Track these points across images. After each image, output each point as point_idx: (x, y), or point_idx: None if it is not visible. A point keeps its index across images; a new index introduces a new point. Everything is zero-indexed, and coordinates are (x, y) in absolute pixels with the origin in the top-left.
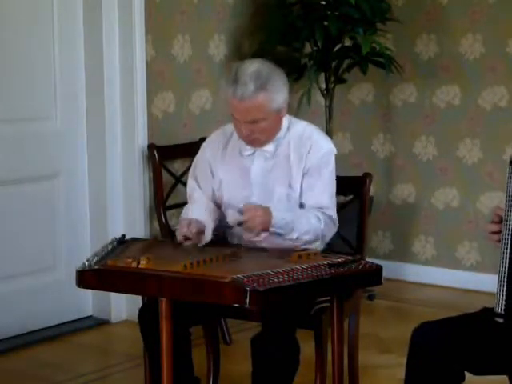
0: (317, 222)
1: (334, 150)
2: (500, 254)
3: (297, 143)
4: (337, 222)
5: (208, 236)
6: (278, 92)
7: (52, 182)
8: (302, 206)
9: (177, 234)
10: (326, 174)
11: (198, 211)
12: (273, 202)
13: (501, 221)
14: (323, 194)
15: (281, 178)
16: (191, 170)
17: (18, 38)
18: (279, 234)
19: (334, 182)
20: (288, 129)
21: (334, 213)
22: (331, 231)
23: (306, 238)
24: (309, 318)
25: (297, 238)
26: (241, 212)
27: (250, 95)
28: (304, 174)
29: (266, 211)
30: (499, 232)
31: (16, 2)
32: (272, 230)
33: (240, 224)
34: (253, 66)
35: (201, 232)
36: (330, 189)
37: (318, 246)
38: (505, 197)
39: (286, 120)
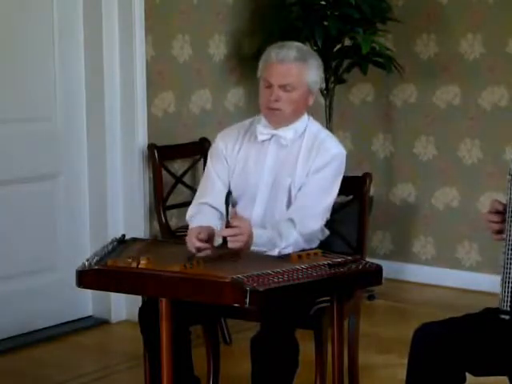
0: (297, 236)
1: (343, 154)
2: (504, 251)
3: (309, 144)
4: (324, 230)
5: (219, 239)
6: (315, 70)
7: (52, 181)
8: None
9: (188, 245)
10: (324, 176)
11: (205, 217)
12: (279, 192)
13: (497, 212)
14: (312, 194)
15: (288, 170)
16: (208, 161)
17: (17, 38)
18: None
19: (331, 186)
20: (306, 126)
21: (316, 221)
22: (315, 235)
23: (288, 251)
24: (309, 318)
25: (278, 253)
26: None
27: (290, 59)
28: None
29: (248, 234)
30: (498, 222)
31: (16, 2)
32: (253, 248)
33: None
34: (297, 43)
35: (211, 236)
36: (324, 193)
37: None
38: (507, 194)
39: (306, 117)
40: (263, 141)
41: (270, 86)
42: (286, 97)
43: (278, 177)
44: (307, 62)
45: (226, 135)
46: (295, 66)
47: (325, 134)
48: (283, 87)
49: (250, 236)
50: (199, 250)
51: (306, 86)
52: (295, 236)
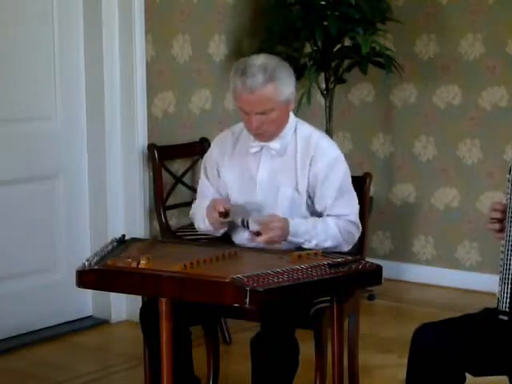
0: (335, 229)
1: (341, 156)
2: (503, 251)
3: (304, 147)
4: (359, 225)
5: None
6: (286, 83)
7: (52, 181)
8: (320, 215)
9: (208, 217)
10: (337, 181)
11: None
12: (277, 201)
13: (500, 210)
14: (339, 203)
15: (287, 178)
16: (202, 168)
17: (18, 38)
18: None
19: (349, 186)
20: (295, 130)
21: (354, 218)
22: (353, 235)
23: (326, 245)
24: (309, 318)
25: (316, 245)
26: (258, 223)
27: (258, 87)
28: (312, 182)
29: (284, 222)
30: (500, 220)
31: (16, 2)
32: (290, 238)
33: (258, 234)
34: (260, 60)
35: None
36: (346, 195)
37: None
38: (507, 194)
39: (293, 120)
40: (255, 152)
41: (247, 113)
42: (267, 119)
43: (274, 187)
44: (277, 80)
45: (220, 143)
46: (266, 91)
47: (317, 136)
48: (260, 113)
49: (285, 223)
50: (223, 215)
51: (283, 102)
52: (333, 229)
